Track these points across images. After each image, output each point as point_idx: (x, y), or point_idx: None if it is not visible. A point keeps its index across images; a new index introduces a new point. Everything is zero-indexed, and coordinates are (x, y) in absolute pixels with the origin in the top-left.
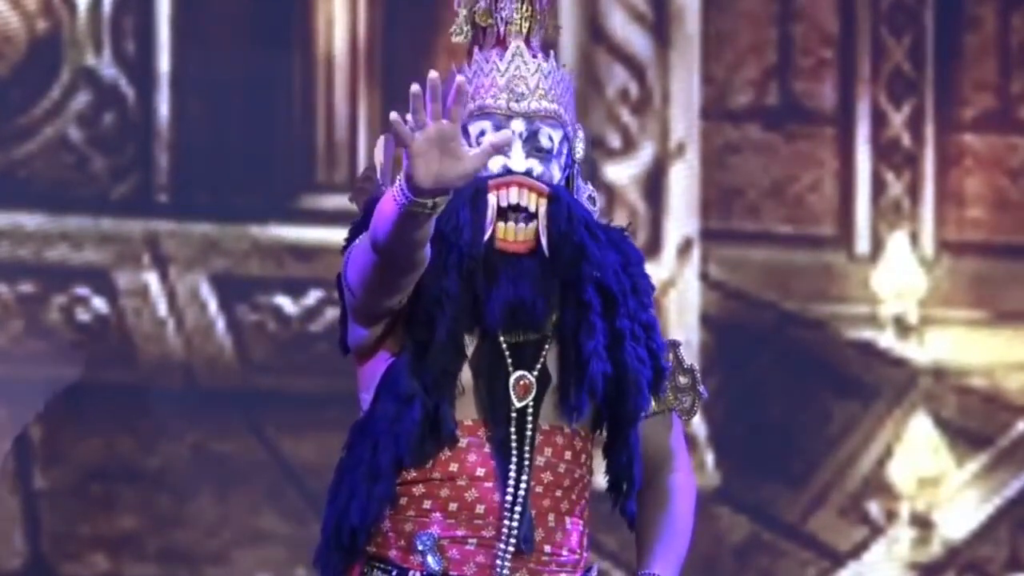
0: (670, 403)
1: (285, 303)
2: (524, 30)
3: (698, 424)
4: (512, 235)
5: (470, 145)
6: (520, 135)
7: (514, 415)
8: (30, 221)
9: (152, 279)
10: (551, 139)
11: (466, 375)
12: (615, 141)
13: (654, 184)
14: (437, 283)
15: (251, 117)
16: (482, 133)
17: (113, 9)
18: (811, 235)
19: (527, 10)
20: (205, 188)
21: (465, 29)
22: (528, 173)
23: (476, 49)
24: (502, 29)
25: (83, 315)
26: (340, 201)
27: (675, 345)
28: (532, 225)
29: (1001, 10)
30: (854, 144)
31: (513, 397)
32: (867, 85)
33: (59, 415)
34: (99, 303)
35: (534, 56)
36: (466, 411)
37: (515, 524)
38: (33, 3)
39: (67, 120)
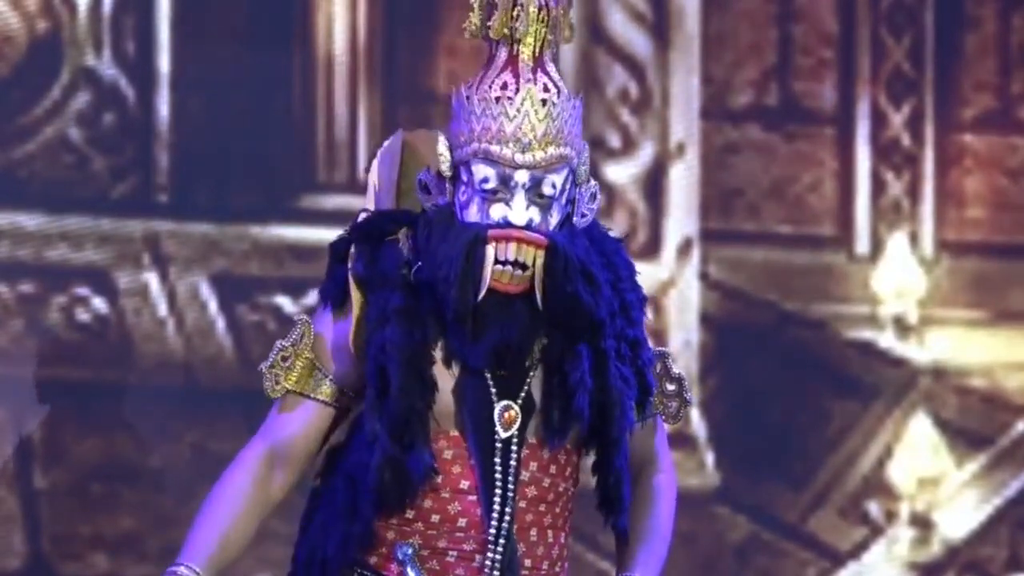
0: (656, 408)
1: (285, 303)
2: (537, 50)
3: (698, 424)
4: (507, 278)
5: (471, 186)
6: (523, 185)
7: (499, 445)
8: (30, 221)
9: (152, 279)
10: (554, 186)
11: (448, 402)
12: (615, 141)
13: (654, 184)
14: (380, 331)
15: (251, 117)
16: (485, 180)
17: (113, 9)
18: (811, 235)
19: (543, 21)
20: (205, 188)
21: (478, 32)
22: (528, 224)
23: (485, 81)
24: (515, 48)
25: (83, 315)
26: (340, 201)
27: (664, 356)
28: (528, 273)
29: (1001, 10)
30: (854, 144)
31: (499, 428)
32: (867, 85)
33: (59, 415)
34: (99, 303)
35: (545, 90)
36: (450, 425)
37: (498, 556)
38: (33, 3)
39: (67, 120)
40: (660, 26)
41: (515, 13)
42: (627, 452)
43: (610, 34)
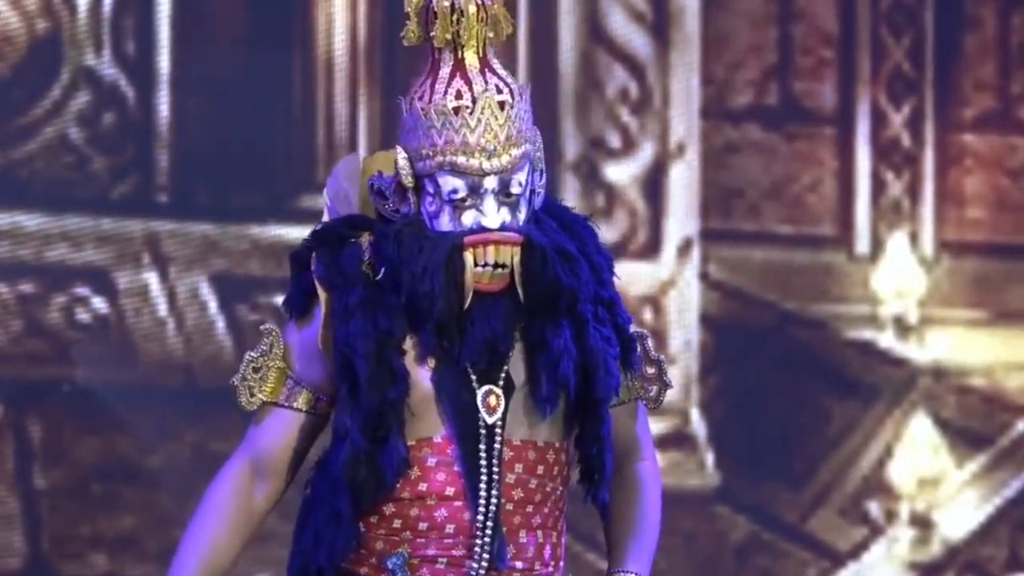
0: (636, 392)
1: None
2: (481, 51)
3: (698, 424)
4: (488, 278)
5: (439, 196)
6: (492, 190)
7: (483, 432)
8: (30, 221)
9: (152, 279)
10: (520, 184)
11: (427, 393)
12: (615, 141)
13: (654, 184)
14: (345, 326)
15: (251, 117)
16: (454, 191)
17: (113, 9)
18: (811, 235)
19: (483, 21)
20: (205, 188)
21: (418, 40)
22: (502, 226)
23: (436, 91)
24: (460, 52)
25: (83, 315)
26: None
27: (643, 337)
28: (507, 270)
29: (1001, 10)
30: (854, 144)
31: (483, 413)
32: (867, 85)
33: (59, 415)
34: (99, 303)
35: (499, 92)
36: (434, 428)
37: (486, 543)
38: (33, 3)
39: (67, 120)
40: (660, 26)
41: (455, 18)
42: (611, 422)
43: (610, 34)
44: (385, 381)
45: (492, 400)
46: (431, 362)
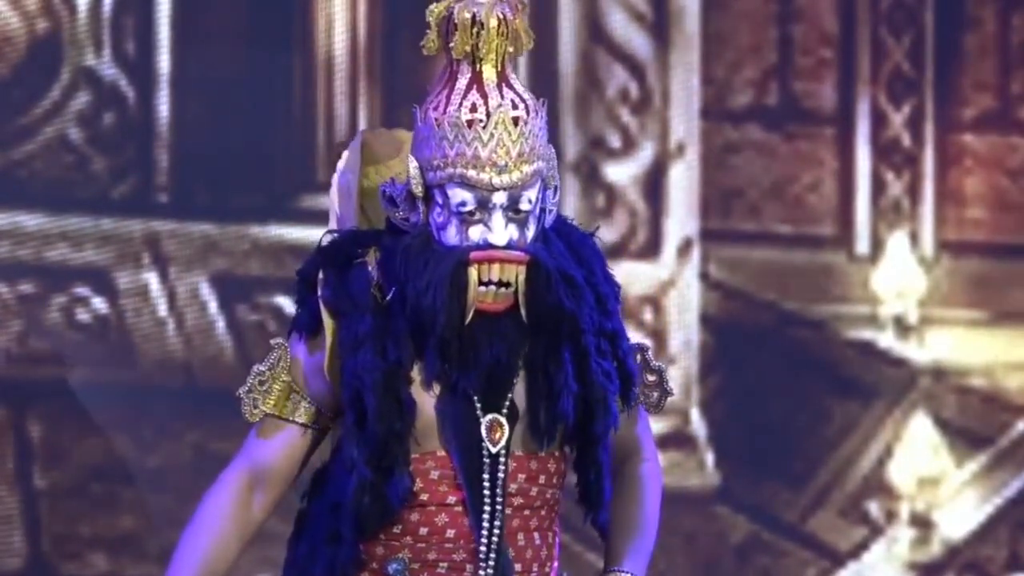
0: (638, 398)
1: (285, 303)
2: (500, 66)
3: (698, 424)
4: (491, 297)
5: (447, 208)
6: (501, 205)
7: (487, 460)
8: (30, 221)
9: (152, 279)
10: (530, 201)
11: (431, 420)
12: (615, 141)
13: (654, 184)
14: (353, 357)
15: (251, 117)
16: (463, 203)
17: (113, 9)
18: (811, 235)
19: (504, 35)
20: (205, 188)
21: (436, 50)
22: (509, 243)
23: (451, 103)
24: (478, 66)
25: (83, 315)
26: None
27: (643, 349)
28: (511, 289)
29: (1001, 10)
30: (854, 144)
31: (487, 443)
32: (867, 85)
33: (59, 415)
34: (99, 303)
35: (514, 108)
36: (438, 446)
37: (491, 570)
38: (33, 3)
39: (67, 120)
40: (660, 26)
41: (475, 31)
42: (609, 447)
43: (610, 34)
44: (393, 413)
45: (496, 433)
46: (436, 388)
